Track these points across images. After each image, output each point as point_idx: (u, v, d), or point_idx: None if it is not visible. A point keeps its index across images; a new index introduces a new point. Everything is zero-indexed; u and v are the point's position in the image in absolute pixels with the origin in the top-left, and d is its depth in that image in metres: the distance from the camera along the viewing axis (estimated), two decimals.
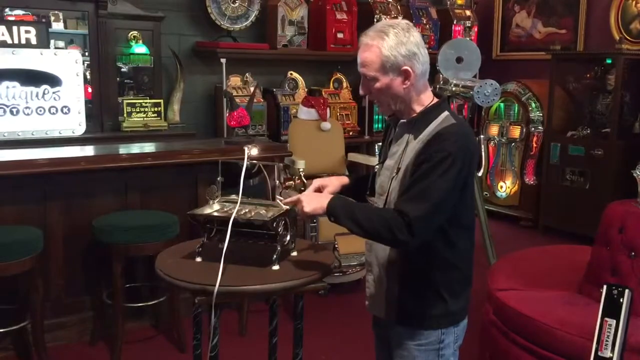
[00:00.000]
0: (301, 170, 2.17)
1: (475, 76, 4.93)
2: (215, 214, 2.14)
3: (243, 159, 2.07)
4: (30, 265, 2.92)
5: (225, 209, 2.12)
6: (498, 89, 4.16)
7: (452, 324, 1.90)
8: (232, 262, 1.94)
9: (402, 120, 1.89)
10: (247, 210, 2.10)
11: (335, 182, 2.06)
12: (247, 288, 1.83)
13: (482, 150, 6.19)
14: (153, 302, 3.39)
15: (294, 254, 2.07)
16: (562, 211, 5.54)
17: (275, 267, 1.93)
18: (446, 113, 1.83)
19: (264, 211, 2.09)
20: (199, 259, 2.04)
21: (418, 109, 1.85)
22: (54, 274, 3.34)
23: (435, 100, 1.87)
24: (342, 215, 1.78)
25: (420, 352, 1.88)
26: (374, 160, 4.96)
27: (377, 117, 6.00)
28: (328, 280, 2.05)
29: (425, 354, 1.88)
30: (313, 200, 1.86)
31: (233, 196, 2.13)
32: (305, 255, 2.03)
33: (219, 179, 2.14)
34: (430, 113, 1.83)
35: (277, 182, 2.06)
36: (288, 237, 2.03)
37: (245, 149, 2.12)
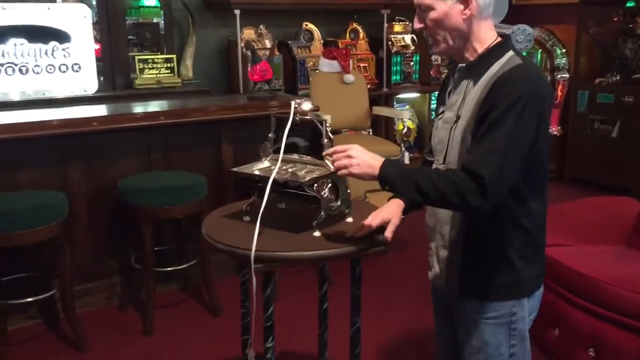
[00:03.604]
0: (327, 125, 2.02)
1: (502, 22, 4.71)
2: (257, 172, 1.98)
3: (294, 113, 1.89)
4: (56, 232, 2.78)
5: (273, 168, 1.96)
6: (531, 35, 3.97)
7: (524, 294, 1.69)
8: (274, 225, 1.81)
9: (460, 65, 1.70)
10: (293, 170, 1.93)
11: (394, 209, 1.82)
12: (281, 254, 1.68)
13: None
14: (184, 265, 3.27)
15: (349, 219, 1.89)
16: (589, 161, 5.39)
17: (316, 234, 1.76)
18: (511, 53, 1.61)
19: (310, 172, 1.91)
20: (247, 218, 1.90)
21: (479, 48, 1.62)
22: (79, 238, 3.22)
23: (499, 39, 1.64)
24: (399, 182, 1.55)
25: (489, 327, 1.68)
26: (400, 113, 4.79)
27: (395, 68, 5.78)
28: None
29: (494, 328, 1.68)
30: (366, 162, 1.58)
31: (295, 155, 1.96)
32: (357, 221, 1.84)
33: (270, 135, 1.98)
34: (492, 54, 1.61)
35: (325, 139, 1.88)
36: (338, 203, 1.84)
37: (293, 102, 1.93)
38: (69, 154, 3.15)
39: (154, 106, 3.70)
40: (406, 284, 3.54)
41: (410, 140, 5.89)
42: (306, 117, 1.89)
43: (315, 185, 1.78)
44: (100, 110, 3.61)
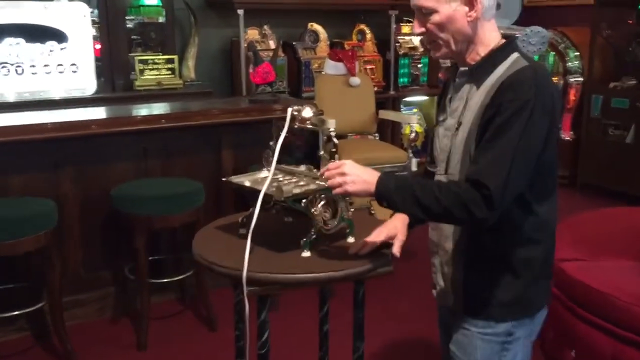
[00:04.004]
0: (332, 130, 1.89)
1: (514, 24, 4.55)
2: (248, 183, 1.83)
3: (292, 120, 1.75)
4: (45, 242, 2.65)
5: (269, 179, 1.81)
6: (546, 37, 3.81)
7: (526, 313, 1.58)
8: (273, 242, 1.68)
9: (462, 69, 1.57)
10: (286, 183, 1.77)
11: (399, 224, 1.70)
12: (276, 276, 1.54)
13: None
14: (179, 277, 3.13)
15: (351, 239, 1.72)
16: (603, 168, 5.22)
17: (305, 254, 1.62)
18: (516, 55, 1.50)
19: (303, 185, 1.75)
20: (243, 231, 1.76)
21: (483, 51, 1.52)
22: (70, 248, 3.08)
23: (503, 41, 1.54)
24: (397, 197, 1.45)
25: (482, 342, 1.58)
26: (408, 118, 4.64)
27: (402, 71, 5.63)
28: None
29: (487, 344, 1.58)
30: (361, 177, 1.49)
31: (302, 167, 1.80)
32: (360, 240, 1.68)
33: (271, 142, 1.84)
34: (496, 56, 1.51)
35: (321, 151, 1.73)
36: (336, 222, 1.67)
37: (290, 109, 1.79)
38: (61, 159, 3.02)
39: (153, 109, 3.57)
40: (412, 299, 3.38)
41: (417, 144, 5.73)
42: (307, 124, 1.74)
43: (304, 201, 1.63)
44: (96, 112, 3.48)
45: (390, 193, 1.46)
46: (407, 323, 3.15)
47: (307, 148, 1.79)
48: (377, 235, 1.67)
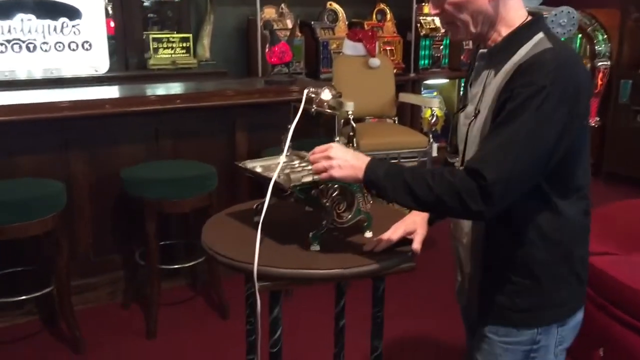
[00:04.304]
0: (350, 113, 1.76)
1: (541, 4, 4.37)
2: (259, 169, 1.72)
3: (309, 102, 1.63)
4: (52, 225, 2.56)
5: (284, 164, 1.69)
6: (575, 18, 3.64)
7: (554, 320, 1.42)
8: (288, 233, 1.57)
9: (481, 51, 1.43)
10: (298, 169, 1.63)
11: (418, 219, 1.57)
12: (290, 272, 1.43)
13: None
14: (190, 263, 3.04)
15: (368, 234, 1.59)
16: (630, 156, 5.04)
17: (314, 248, 1.50)
18: (541, 35, 1.33)
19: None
20: (257, 218, 1.65)
21: (505, 33, 1.36)
22: (80, 231, 3.00)
23: (529, 18, 1.37)
24: (387, 184, 1.32)
25: (505, 352, 1.44)
26: (429, 101, 4.49)
27: (423, 52, 5.47)
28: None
29: (510, 354, 1.44)
30: (347, 163, 1.37)
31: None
32: (378, 235, 1.55)
33: (290, 126, 1.72)
34: (518, 36, 1.34)
35: (337, 137, 1.61)
36: (350, 214, 1.54)
37: (306, 91, 1.67)
38: (72, 139, 2.93)
39: (167, 88, 3.46)
40: (434, 297, 3.21)
41: (437, 129, 5.59)
42: (324, 107, 1.62)
43: (313, 191, 1.50)
44: (109, 91, 3.39)
45: (379, 179, 1.34)
46: (425, 319, 3.01)
47: (326, 132, 1.67)
48: (394, 231, 1.54)
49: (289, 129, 1.68)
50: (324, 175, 1.40)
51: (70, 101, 2.88)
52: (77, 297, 2.94)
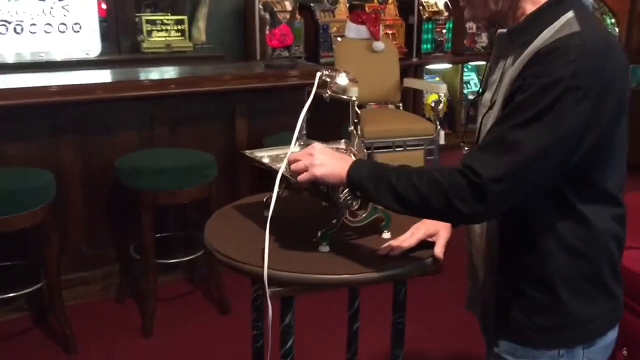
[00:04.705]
0: (354, 99, 1.63)
1: None
2: (266, 160, 1.57)
3: (324, 87, 1.48)
4: (41, 218, 2.41)
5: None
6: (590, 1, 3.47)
7: (579, 342, 1.23)
8: (301, 232, 1.42)
9: (500, 31, 1.26)
10: None
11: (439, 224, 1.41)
12: (303, 276, 1.29)
13: None
14: (189, 257, 2.90)
15: (386, 234, 1.44)
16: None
17: (324, 249, 1.36)
18: (569, 15, 1.14)
19: None
20: (267, 213, 1.52)
21: (530, 9, 1.19)
22: (71, 223, 2.85)
23: None
24: (371, 186, 1.20)
25: None
26: (436, 87, 4.33)
27: (426, 36, 5.31)
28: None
29: None
30: (330, 162, 1.26)
31: (342, 143, 1.52)
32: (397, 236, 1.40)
33: (304, 113, 1.57)
34: (541, 16, 1.16)
35: (351, 126, 1.46)
36: (365, 213, 1.40)
37: (319, 74, 1.51)
38: (62, 126, 2.77)
39: (161, 73, 3.29)
40: (456, 305, 2.89)
41: (440, 114, 5.44)
42: (337, 93, 1.47)
43: (322, 185, 1.33)
44: (101, 75, 3.22)
45: (363, 180, 1.21)
46: (444, 325, 2.79)
47: (341, 120, 1.51)
48: (413, 233, 1.39)
49: (300, 116, 1.53)
50: (305, 176, 1.27)
51: (59, 86, 2.72)
52: (69, 292, 2.80)
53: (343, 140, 1.52)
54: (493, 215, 1.20)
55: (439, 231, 1.39)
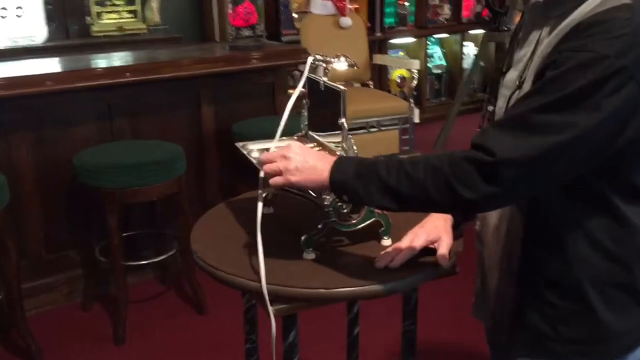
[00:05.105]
0: (325, 80, 1.48)
1: None
2: (256, 154, 1.41)
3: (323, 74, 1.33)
4: None
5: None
6: None
7: (612, 355, 1.11)
8: (290, 240, 1.25)
9: (535, 0, 1.11)
10: None
11: (440, 224, 1.25)
12: (306, 292, 1.13)
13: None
14: (160, 257, 2.71)
15: (386, 241, 1.27)
16: None
17: (308, 256, 1.22)
18: None
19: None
20: (270, 210, 1.39)
21: None
22: (28, 227, 2.63)
23: None
24: (359, 185, 1.04)
25: None
26: (409, 63, 4.18)
27: (389, 10, 5.16)
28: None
29: None
30: (308, 165, 1.11)
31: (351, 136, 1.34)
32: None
33: (305, 101, 1.42)
34: None
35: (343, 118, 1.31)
36: (358, 217, 1.23)
37: (310, 58, 1.36)
38: (11, 122, 2.53)
39: (116, 59, 3.06)
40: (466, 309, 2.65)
41: (405, 91, 5.34)
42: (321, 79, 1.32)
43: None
44: (49, 64, 2.96)
45: (348, 180, 1.05)
46: (446, 331, 2.57)
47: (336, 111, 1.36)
48: (412, 240, 1.22)
49: (305, 104, 1.37)
50: (278, 180, 1.13)
51: (4, 78, 2.48)
52: (30, 301, 2.60)
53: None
54: (502, 203, 1.06)
55: (440, 237, 1.23)
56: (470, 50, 5.90)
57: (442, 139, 4.13)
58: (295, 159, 1.11)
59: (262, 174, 1.18)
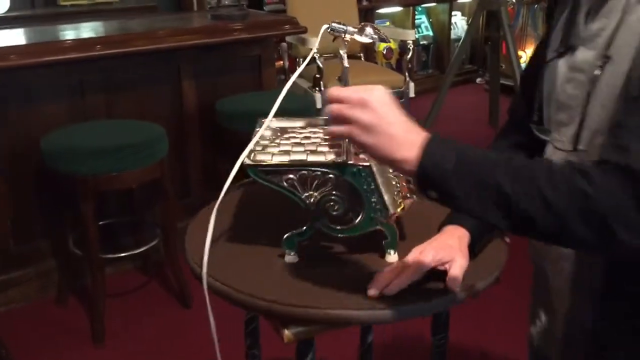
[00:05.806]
0: (315, 51, 1.29)
1: None
2: (276, 160, 1.16)
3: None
4: None
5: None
6: None
7: None
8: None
9: None
10: (295, 145, 1.09)
11: (455, 243, 1.00)
12: (327, 313, 0.93)
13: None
14: (141, 248, 2.50)
15: (392, 257, 1.04)
16: None
17: (290, 258, 1.04)
18: None
19: (318, 153, 1.03)
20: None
21: None
22: None
23: None
24: (460, 189, 0.77)
25: None
26: (404, 34, 3.91)
27: None
28: None
29: None
30: (388, 130, 0.79)
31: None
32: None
33: (317, 75, 1.20)
34: None
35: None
36: (353, 223, 1.00)
37: (325, 26, 1.13)
38: None
39: (85, 30, 2.79)
40: (504, 330, 2.33)
41: (392, 62, 5.13)
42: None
43: (286, 177, 0.98)
44: (13, 37, 2.69)
45: (447, 177, 0.77)
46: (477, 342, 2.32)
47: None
48: (418, 260, 0.97)
49: (286, 83, 1.14)
50: (342, 129, 0.81)
51: None
52: (1, 296, 2.38)
53: None
54: None
55: (453, 258, 0.97)
56: (458, 20, 5.70)
57: (434, 113, 3.95)
58: (377, 111, 0.79)
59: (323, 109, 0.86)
